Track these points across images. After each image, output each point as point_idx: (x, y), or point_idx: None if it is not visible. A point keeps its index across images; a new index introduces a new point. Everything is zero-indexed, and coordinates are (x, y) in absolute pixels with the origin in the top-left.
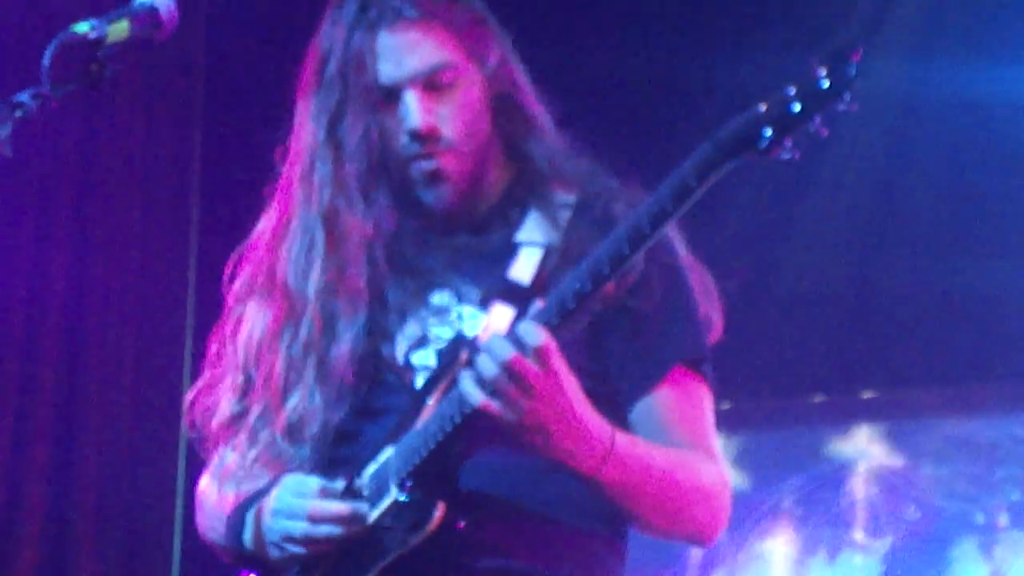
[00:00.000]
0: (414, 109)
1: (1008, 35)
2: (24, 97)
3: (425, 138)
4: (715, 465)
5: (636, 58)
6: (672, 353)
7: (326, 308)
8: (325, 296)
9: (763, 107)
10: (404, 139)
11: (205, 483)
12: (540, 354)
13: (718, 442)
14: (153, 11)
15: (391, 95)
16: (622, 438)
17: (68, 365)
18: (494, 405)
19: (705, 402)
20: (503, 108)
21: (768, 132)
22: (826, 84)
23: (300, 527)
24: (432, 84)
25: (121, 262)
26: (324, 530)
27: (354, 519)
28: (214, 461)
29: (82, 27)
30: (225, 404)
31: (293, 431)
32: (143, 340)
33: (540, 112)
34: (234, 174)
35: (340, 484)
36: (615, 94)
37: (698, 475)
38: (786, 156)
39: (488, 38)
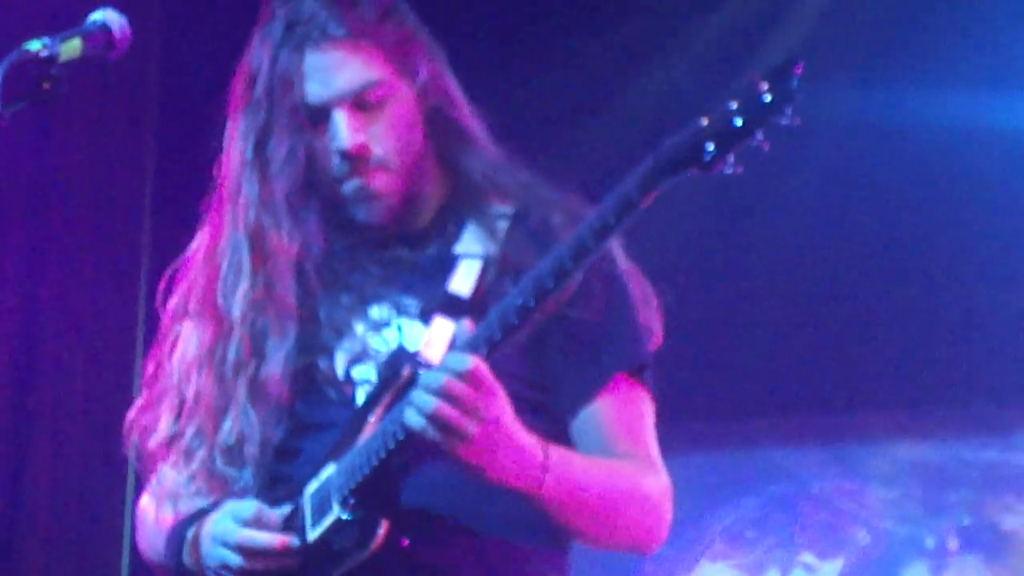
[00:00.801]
0: (342, 129)
1: (962, 59)
2: None
3: (355, 158)
4: (656, 474)
5: (581, 71)
6: (613, 362)
7: (255, 327)
8: (253, 315)
9: (705, 121)
10: (335, 159)
11: (145, 502)
12: (475, 377)
13: (657, 450)
14: (106, 29)
15: (319, 115)
16: (556, 453)
17: (18, 380)
18: (437, 433)
19: (646, 410)
20: (436, 122)
21: (710, 147)
22: (768, 98)
23: (235, 559)
24: (361, 103)
25: (72, 278)
26: (258, 563)
27: (285, 553)
28: (153, 480)
29: (34, 45)
30: (163, 424)
31: (230, 453)
32: (94, 355)
33: (475, 125)
34: (187, 191)
35: (283, 511)
36: (559, 107)
37: (637, 485)
38: (728, 171)
39: (418, 54)
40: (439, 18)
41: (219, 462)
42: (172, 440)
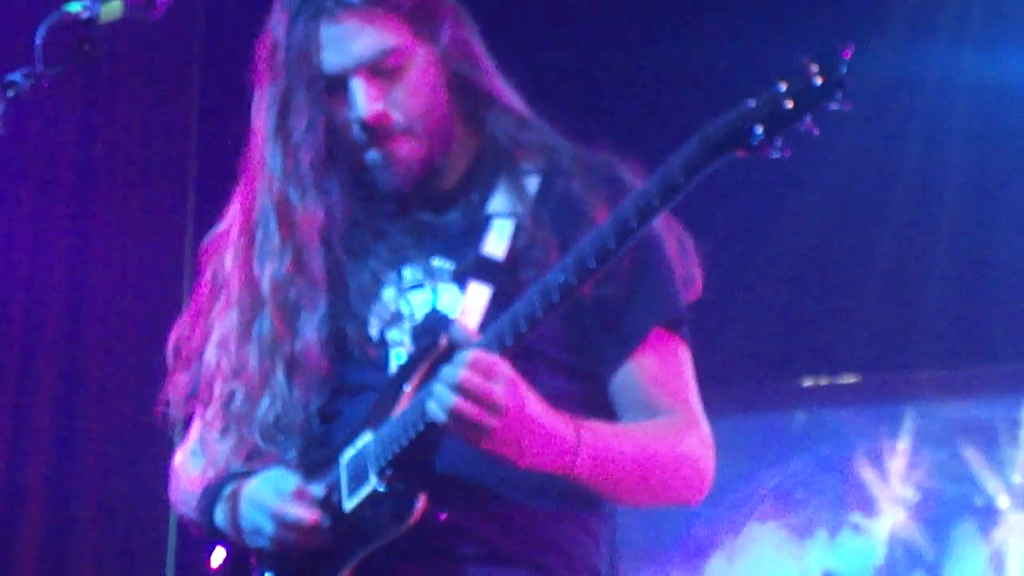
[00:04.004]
0: (360, 98)
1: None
2: (16, 77)
3: (374, 127)
4: (696, 428)
5: (627, 49)
6: (649, 318)
7: (287, 300)
8: (284, 288)
9: (753, 103)
10: (355, 128)
11: (180, 458)
12: (493, 370)
13: (698, 402)
14: None
15: (337, 84)
16: (588, 430)
17: (67, 352)
18: (457, 427)
19: (685, 363)
20: (460, 85)
21: (759, 130)
22: (819, 82)
23: (269, 526)
24: (379, 70)
25: (117, 241)
26: (291, 535)
27: (315, 530)
28: (190, 436)
29: (75, 6)
30: (207, 388)
31: (270, 429)
32: (141, 320)
33: (500, 86)
34: (231, 154)
35: (320, 489)
36: (605, 85)
37: (676, 444)
38: (776, 155)
39: (439, 16)
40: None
41: (260, 437)
42: (213, 405)
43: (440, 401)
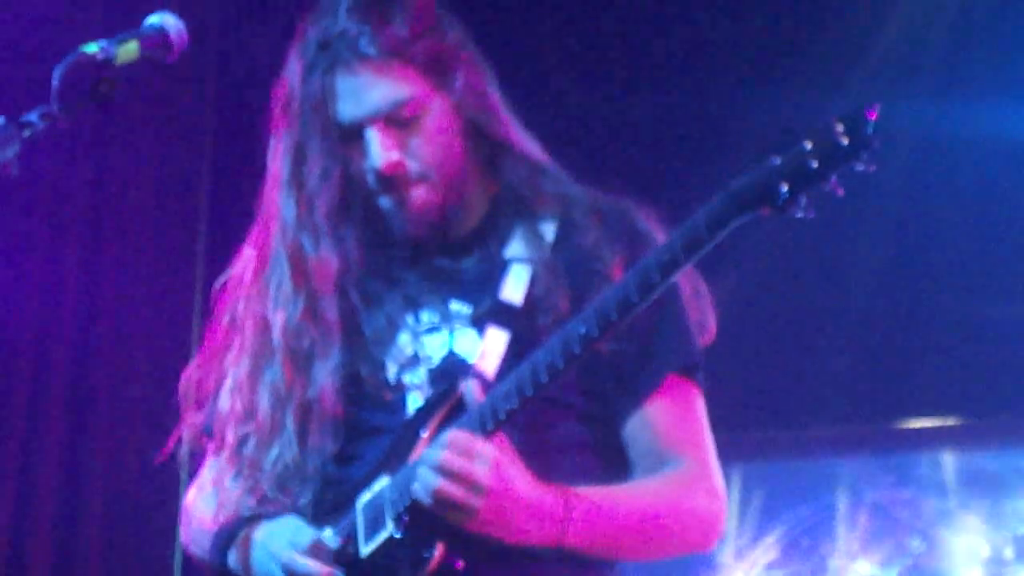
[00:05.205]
0: (376, 148)
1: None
2: (32, 117)
3: (390, 177)
4: (706, 478)
5: (648, 98)
6: (664, 364)
7: (299, 349)
8: (297, 334)
9: (779, 161)
10: (371, 177)
11: (192, 496)
12: (475, 451)
13: (711, 449)
14: (163, 32)
15: (353, 134)
16: (579, 500)
17: (77, 387)
18: (442, 510)
19: (699, 409)
20: (476, 133)
21: (784, 188)
22: (845, 141)
23: None
24: (394, 120)
25: (130, 281)
26: None
27: None
28: (202, 475)
29: (91, 48)
30: (220, 431)
31: (279, 476)
32: (151, 358)
33: (516, 133)
34: (243, 194)
35: (335, 541)
36: (627, 134)
37: (682, 499)
38: (800, 214)
39: (455, 66)
40: (495, 29)
41: (269, 486)
42: (226, 449)
43: (423, 483)
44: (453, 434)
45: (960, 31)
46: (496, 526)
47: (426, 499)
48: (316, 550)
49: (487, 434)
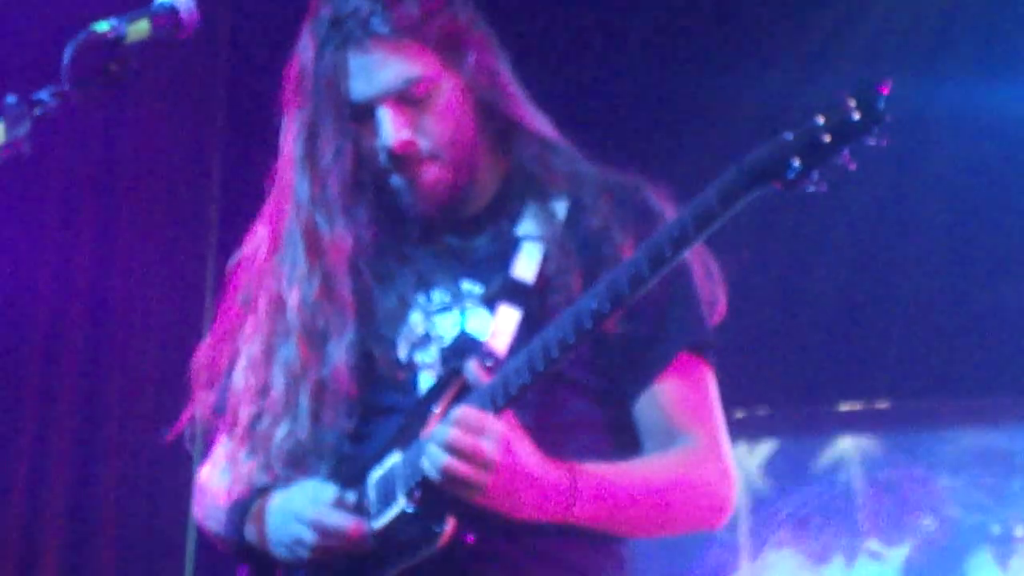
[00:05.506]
0: (386, 127)
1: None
2: (44, 95)
3: (400, 155)
4: (714, 455)
5: (659, 76)
6: (674, 342)
7: (315, 325)
8: (311, 312)
9: (791, 136)
10: (382, 155)
11: (205, 473)
12: (484, 428)
13: (722, 427)
14: (173, 11)
15: (364, 112)
16: (585, 476)
17: (90, 365)
18: (451, 486)
19: (710, 387)
20: (488, 112)
21: (796, 163)
22: (856, 116)
23: (310, 535)
24: (405, 98)
25: (142, 259)
26: (333, 543)
27: (358, 537)
28: (215, 452)
29: (102, 26)
30: (234, 408)
31: (290, 452)
32: (164, 337)
33: (528, 111)
34: (256, 172)
35: (352, 497)
36: (636, 112)
37: (689, 475)
38: (812, 189)
39: (466, 44)
40: (528, 18)
41: (281, 462)
42: (240, 425)
43: (432, 460)
44: (462, 411)
45: (954, 7)
46: (504, 502)
47: (435, 475)
48: (340, 502)
49: (497, 410)
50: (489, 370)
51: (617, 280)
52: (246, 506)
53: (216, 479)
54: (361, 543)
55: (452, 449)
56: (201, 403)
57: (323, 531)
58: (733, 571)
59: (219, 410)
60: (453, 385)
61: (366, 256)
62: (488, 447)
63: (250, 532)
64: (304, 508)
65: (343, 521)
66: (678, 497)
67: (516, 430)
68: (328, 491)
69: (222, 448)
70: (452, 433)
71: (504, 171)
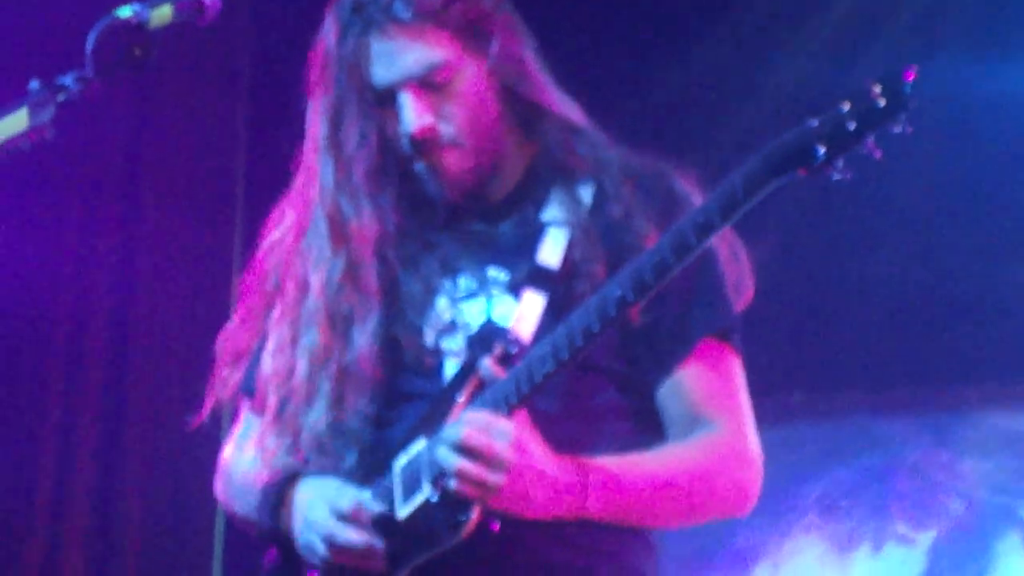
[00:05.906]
0: (408, 112)
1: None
2: (67, 80)
3: (421, 141)
4: (738, 441)
5: (689, 61)
6: (699, 328)
7: (339, 310)
8: (336, 298)
9: (816, 123)
10: (404, 141)
11: (230, 452)
12: (495, 428)
13: (748, 412)
14: None
15: (387, 98)
16: (598, 471)
17: (114, 355)
18: (464, 488)
19: (735, 372)
20: (512, 97)
21: (821, 150)
22: (882, 103)
23: (322, 548)
24: (427, 84)
25: (167, 245)
26: (343, 559)
27: (368, 554)
28: (239, 432)
29: (125, 11)
30: (262, 391)
31: (317, 437)
32: (190, 321)
33: (553, 95)
34: (280, 158)
35: (375, 505)
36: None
37: (710, 465)
38: (837, 176)
39: (490, 29)
40: (556, 1)
41: (308, 448)
42: (268, 409)
43: (446, 463)
44: (472, 413)
45: None
46: (518, 501)
47: (450, 478)
48: (357, 515)
49: (521, 397)
50: (512, 358)
51: (641, 267)
52: (280, 493)
53: (244, 461)
54: (372, 561)
55: (464, 449)
56: (224, 382)
57: (334, 547)
58: (760, 557)
59: (244, 390)
60: (476, 375)
61: (391, 242)
62: (499, 446)
63: (283, 517)
64: (319, 517)
65: (355, 539)
66: (698, 486)
67: (527, 429)
68: (347, 498)
69: (249, 428)
70: (463, 433)
71: (529, 156)
